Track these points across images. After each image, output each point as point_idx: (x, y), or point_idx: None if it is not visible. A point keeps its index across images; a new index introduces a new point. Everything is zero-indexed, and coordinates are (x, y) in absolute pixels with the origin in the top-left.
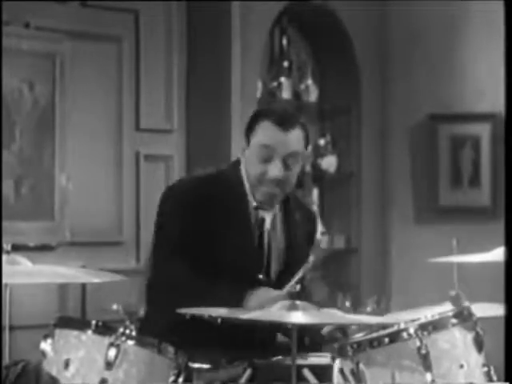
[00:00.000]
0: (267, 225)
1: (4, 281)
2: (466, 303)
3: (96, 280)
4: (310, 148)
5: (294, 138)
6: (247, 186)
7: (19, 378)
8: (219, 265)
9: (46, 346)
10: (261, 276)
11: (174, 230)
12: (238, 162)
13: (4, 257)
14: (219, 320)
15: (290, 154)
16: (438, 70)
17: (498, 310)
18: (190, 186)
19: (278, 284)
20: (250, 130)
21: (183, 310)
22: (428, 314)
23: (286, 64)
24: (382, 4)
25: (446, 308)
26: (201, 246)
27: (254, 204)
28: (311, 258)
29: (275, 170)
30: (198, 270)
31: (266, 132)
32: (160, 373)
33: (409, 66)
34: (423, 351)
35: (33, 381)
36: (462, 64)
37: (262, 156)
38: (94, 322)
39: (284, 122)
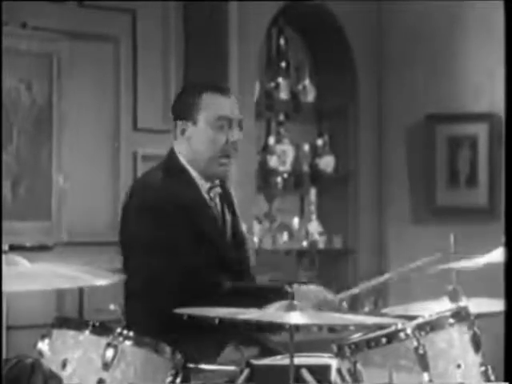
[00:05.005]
0: (222, 200)
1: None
2: (464, 298)
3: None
4: (307, 148)
5: (235, 100)
6: (193, 171)
7: (11, 371)
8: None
9: (43, 346)
10: (230, 250)
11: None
12: (172, 154)
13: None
14: (217, 320)
15: (241, 119)
16: (435, 70)
17: (496, 305)
18: (154, 195)
19: (240, 259)
20: (191, 108)
21: (181, 311)
22: (425, 311)
23: (283, 64)
24: (380, 4)
25: (444, 303)
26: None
27: (208, 185)
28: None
29: (235, 134)
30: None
31: (215, 103)
32: (157, 373)
33: (406, 66)
34: (420, 351)
35: (26, 374)
36: (460, 64)
37: (220, 127)
38: (91, 323)
39: (222, 88)
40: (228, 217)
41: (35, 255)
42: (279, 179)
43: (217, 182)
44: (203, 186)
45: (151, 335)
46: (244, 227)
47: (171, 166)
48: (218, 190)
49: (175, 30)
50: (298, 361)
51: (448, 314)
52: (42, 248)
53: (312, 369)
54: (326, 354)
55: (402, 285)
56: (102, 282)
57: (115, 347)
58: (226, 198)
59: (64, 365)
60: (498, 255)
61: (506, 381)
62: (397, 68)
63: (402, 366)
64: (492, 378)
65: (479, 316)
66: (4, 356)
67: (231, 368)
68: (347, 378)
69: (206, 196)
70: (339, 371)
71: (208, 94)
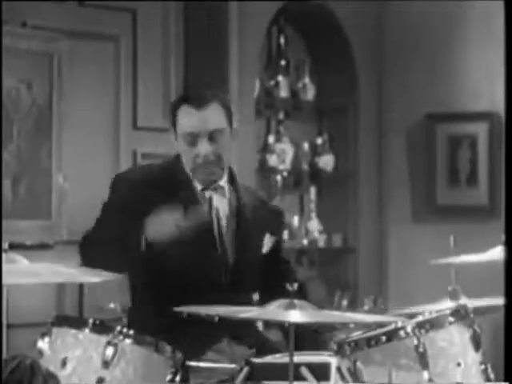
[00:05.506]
0: (215, 203)
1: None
2: (464, 298)
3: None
4: (307, 146)
5: (212, 113)
6: (189, 173)
7: (13, 373)
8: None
9: (43, 344)
10: (216, 250)
11: (117, 205)
12: (178, 155)
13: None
14: (216, 318)
15: (212, 131)
16: (435, 69)
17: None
18: (136, 173)
19: (235, 267)
20: (173, 120)
21: (180, 309)
22: (426, 312)
23: (283, 63)
24: (380, 4)
25: (445, 305)
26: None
27: (200, 187)
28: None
29: (202, 149)
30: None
31: (184, 117)
32: (157, 371)
33: (406, 64)
34: (420, 349)
35: (27, 376)
36: (460, 63)
37: (189, 142)
38: (91, 321)
39: (197, 100)
40: (223, 221)
41: (35, 253)
42: (279, 178)
43: (213, 185)
44: (197, 187)
45: (147, 331)
46: (269, 239)
47: (171, 162)
48: (213, 193)
49: (175, 30)
50: (297, 359)
51: (448, 312)
52: (42, 246)
53: (311, 367)
54: (325, 352)
55: (401, 283)
56: (97, 279)
57: (115, 346)
58: (231, 204)
59: (64, 363)
60: (497, 253)
61: (505, 380)
62: (397, 67)
63: (402, 364)
64: (492, 376)
65: (479, 310)
66: (4, 354)
67: (231, 366)
68: (347, 376)
69: (198, 195)
70: (339, 369)
71: (184, 107)
